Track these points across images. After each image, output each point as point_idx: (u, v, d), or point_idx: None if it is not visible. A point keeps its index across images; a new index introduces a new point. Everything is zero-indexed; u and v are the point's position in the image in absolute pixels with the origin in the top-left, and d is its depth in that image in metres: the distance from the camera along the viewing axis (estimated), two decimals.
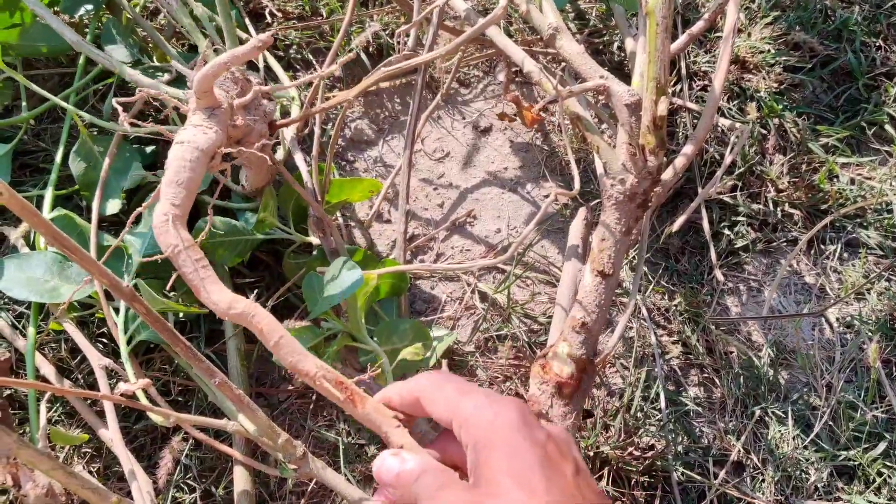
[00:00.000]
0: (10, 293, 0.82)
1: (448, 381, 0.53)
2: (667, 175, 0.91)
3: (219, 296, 0.60)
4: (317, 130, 0.91)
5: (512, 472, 0.45)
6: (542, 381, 0.74)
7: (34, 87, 0.89)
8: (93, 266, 0.50)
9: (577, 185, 0.82)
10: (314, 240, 0.84)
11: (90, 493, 0.68)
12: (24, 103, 0.97)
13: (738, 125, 1.01)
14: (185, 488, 0.85)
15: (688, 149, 0.88)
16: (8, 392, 0.87)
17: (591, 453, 0.88)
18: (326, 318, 0.76)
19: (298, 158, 0.92)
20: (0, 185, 0.43)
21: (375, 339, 0.80)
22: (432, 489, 0.48)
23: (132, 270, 0.82)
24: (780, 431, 0.92)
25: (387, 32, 1.12)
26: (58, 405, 0.87)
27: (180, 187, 0.64)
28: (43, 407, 0.75)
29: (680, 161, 0.88)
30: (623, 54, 1.14)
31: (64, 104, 0.90)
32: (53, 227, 0.47)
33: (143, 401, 0.75)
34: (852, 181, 1.07)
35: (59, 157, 0.94)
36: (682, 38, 0.91)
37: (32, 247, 0.88)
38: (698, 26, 0.92)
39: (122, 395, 0.69)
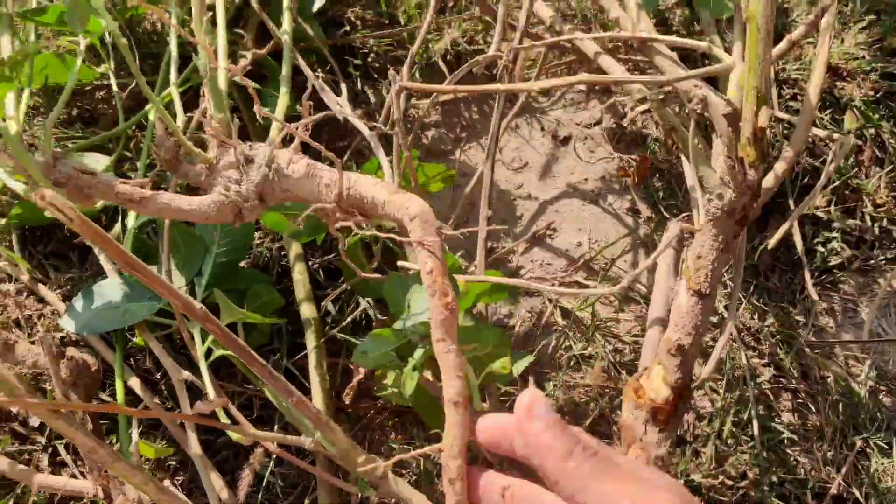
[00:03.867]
0: (87, 332, 0.81)
1: (575, 447, 0.43)
2: (767, 182, 0.86)
3: None
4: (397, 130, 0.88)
5: None
6: (635, 406, 0.71)
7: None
8: (164, 288, 0.49)
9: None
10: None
11: None
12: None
13: (835, 136, 0.96)
14: None
15: (787, 154, 0.84)
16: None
17: (682, 481, 0.84)
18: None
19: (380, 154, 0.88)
20: (70, 211, 0.42)
21: None
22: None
23: (207, 272, 0.81)
24: (882, 464, 0.86)
25: (465, 40, 1.10)
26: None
27: None
28: (135, 422, 0.75)
29: (780, 166, 0.84)
30: (707, 61, 1.10)
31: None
32: (123, 251, 0.46)
33: (223, 418, 0.74)
34: None
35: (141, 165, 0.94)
36: (783, 44, 0.87)
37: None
38: (798, 32, 0.87)
39: (199, 413, 0.68)
